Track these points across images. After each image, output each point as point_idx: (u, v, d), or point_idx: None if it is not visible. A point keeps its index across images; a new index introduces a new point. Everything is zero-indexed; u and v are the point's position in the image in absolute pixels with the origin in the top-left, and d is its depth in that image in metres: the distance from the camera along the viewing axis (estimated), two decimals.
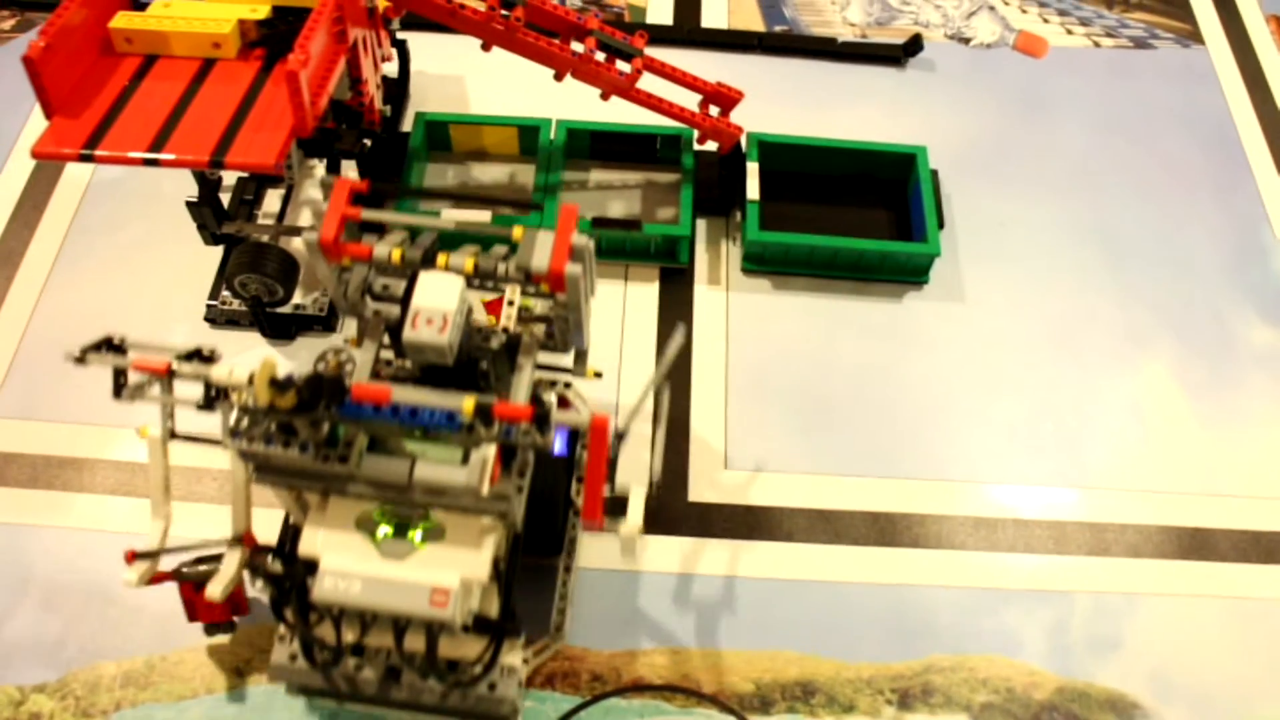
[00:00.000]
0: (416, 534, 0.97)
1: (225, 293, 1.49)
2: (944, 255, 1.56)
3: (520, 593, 1.14)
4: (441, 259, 0.96)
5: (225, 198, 1.52)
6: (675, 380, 1.48)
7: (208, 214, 1.44)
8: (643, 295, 1.56)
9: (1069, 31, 1.96)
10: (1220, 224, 1.70)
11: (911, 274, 1.58)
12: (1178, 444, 1.47)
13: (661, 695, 1.24)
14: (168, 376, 0.97)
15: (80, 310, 1.51)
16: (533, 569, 1.21)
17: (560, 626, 1.18)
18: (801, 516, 1.38)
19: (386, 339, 1.07)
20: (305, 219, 1.58)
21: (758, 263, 1.58)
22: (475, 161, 1.68)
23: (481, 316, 1.04)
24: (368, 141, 1.42)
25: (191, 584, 1.14)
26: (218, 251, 1.53)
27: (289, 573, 0.98)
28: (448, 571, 0.95)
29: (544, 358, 1.09)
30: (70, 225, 1.60)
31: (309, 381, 0.87)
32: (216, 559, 1.11)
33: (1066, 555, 1.37)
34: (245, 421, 0.92)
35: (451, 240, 1.52)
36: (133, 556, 1.07)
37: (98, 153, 1.19)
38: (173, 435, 1.06)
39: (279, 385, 0.87)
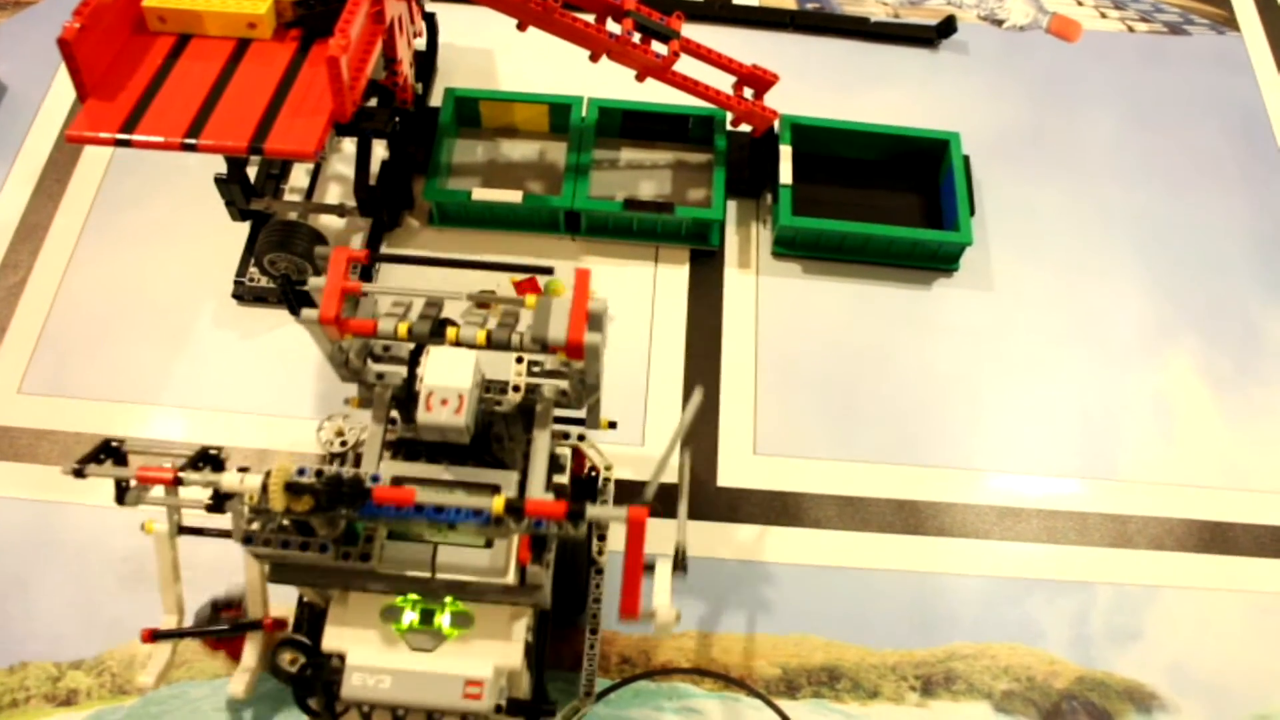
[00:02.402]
0: (444, 619, 0.94)
1: (253, 270, 1.49)
2: (974, 242, 1.55)
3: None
4: (451, 332, 0.91)
5: (252, 172, 1.51)
6: (707, 365, 1.48)
7: (236, 190, 1.43)
8: (673, 277, 1.55)
9: (1103, 15, 1.94)
10: (1250, 216, 1.70)
11: (942, 261, 1.58)
12: (1202, 438, 1.48)
13: (690, 678, 1.26)
14: (174, 484, 0.93)
15: (107, 286, 1.51)
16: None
17: (590, 692, 1.16)
18: (829, 503, 1.39)
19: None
20: (333, 195, 1.57)
21: (789, 247, 1.57)
22: (505, 138, 1.66)
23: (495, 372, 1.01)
24: (398, 119, 1.41)
25: (213, 639, 1.14)
26: (245, 227, 1.52)
27: (314, 668, 0.96)
28: (480, 661, 0.93)
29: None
30: (95, 199, 1.58)
31: (327, 486, 0.84)
32: (234, 608, 1.11)
33: (1089, 546, 1.39)
34: (257, 524, 0.89)
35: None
36: (149, 635, 1.06)
37: (135, 137, 1.18)
38: (180, 530, 1.04)
39: (294, 490, 0.84)
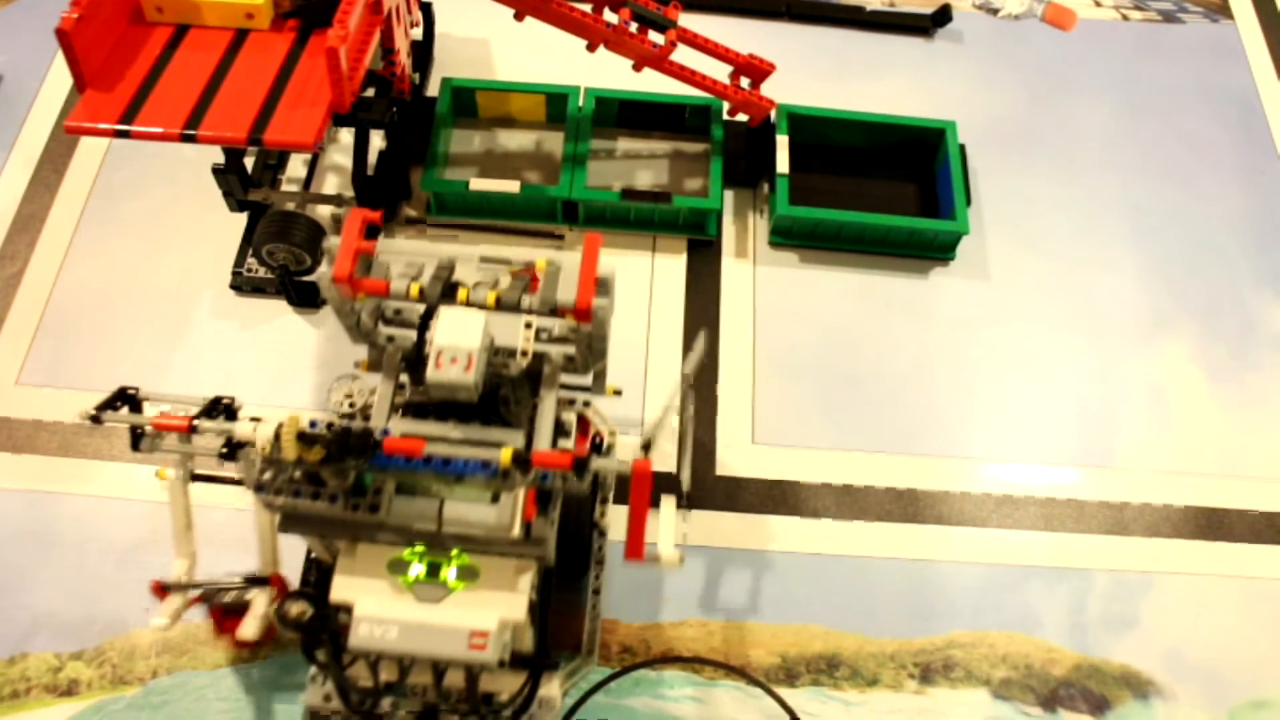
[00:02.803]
0: (450, 572, 0.95)
1: (251, 260, 1.48)
2: (970, 232, 1.56)
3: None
4: (462, 292, 0.93)
5: (249, 162, 1.50)
6: (704, 354, 1.48)
7: (234, 181, 1.43)
8: (670, 267, 1.56)
9: (1097, 3, 1.94)
10: (1245, 205, 1.70)
11: (938, 250, 1.58)
12: (1198, 425, 1.49)
13: (690, 667, 1.27)
14: (189, 433, 0.94)
15: (104, 276, 1.50)
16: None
17: (592, 650, 1.17)
18: (827, 492, 1.40)
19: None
20: (331, 186, 1.57)
21: (786, 236, 1.58)
22: (502, 128, 1.66)
23: (504, 339, 1.02)
24: (395, 110, 1.41)
25: (221, 608, 1.14)
26: (242, 217, 1.52)
27: (321, 619, 0.96)
28: (485, 613, 0.94)
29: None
30: (91, 189, 1.58)
31: (338, 436, 0.86)
32: (248, 586, 1.11)
33: (1086, 534, 1.39)
34: (269, 474, 0.91)
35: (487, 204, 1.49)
36: (159, 587, 1.06)
37: (134, 128, 1.17)
38: (193, 477, 1.04)
39: (306, 440, 0.85)
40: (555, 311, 0.92)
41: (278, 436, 0.87)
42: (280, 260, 1.41)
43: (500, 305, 0.92)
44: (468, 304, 0.93)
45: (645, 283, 1.54)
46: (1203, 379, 1.53)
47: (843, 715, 1.26)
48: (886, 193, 1.64)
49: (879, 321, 1.54)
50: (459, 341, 0.92)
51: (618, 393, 1.16)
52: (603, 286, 0.93)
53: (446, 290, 0.93)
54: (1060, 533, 1.39)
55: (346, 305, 0.96)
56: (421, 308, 0.94)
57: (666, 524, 1.02)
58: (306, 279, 1.46)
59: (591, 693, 1.24)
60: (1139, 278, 1.61)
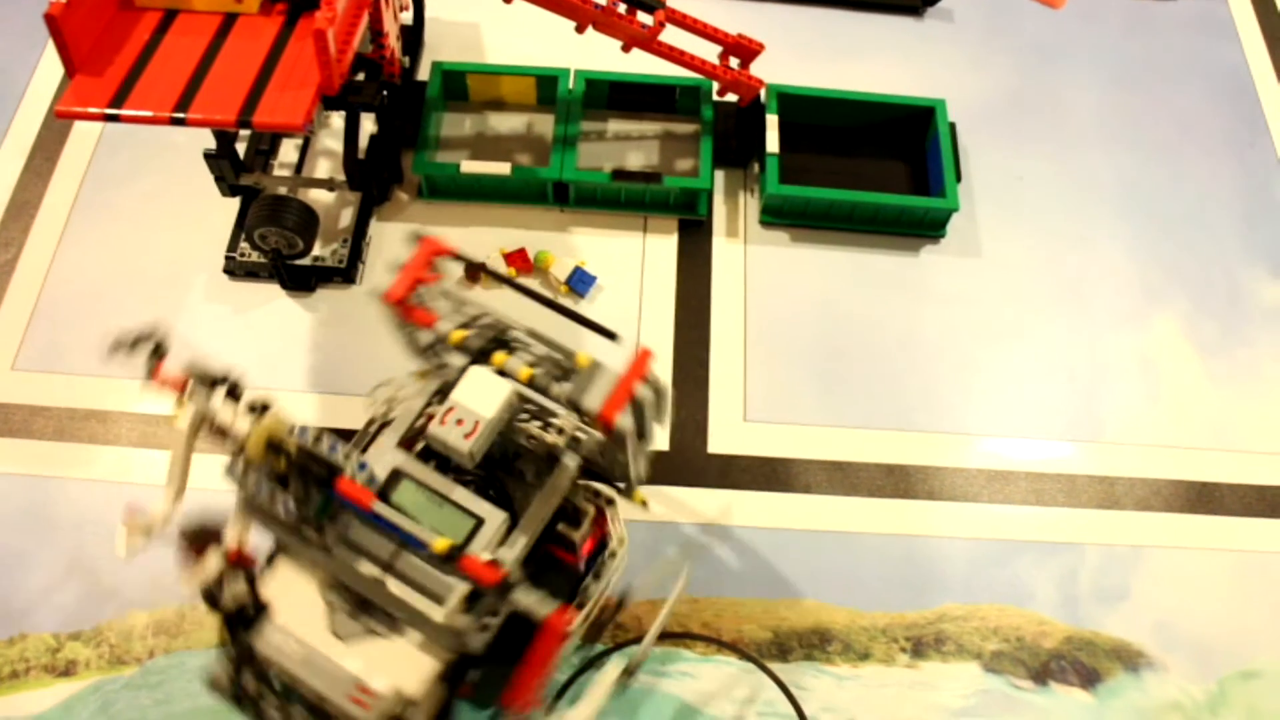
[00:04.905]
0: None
1: (244, 245, 1.49)
2: (960, 209, 1.56)
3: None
4: (499, 357, 0.90)
5: (240, 147, 1.51)
6: (696, 331, 1.49)
7: (225, 166, 1.44)
8: (661, 247, 1.56)
9: None
10: (1235, 180, 1.71)
11: (929, 228, 1.58)
12: (1188, 400, 1.49)
13: (682, 643, 1.28)
14: (181, 392, 0.94)
15: (99, 262, 1.51)
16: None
17: None
18: (818, 468, 1.41)
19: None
20: (323, 170, 1.58)
21: (776, 215, 1.58)
22: (492, 111, 1.67)
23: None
24: (386, 93, 1.41)
25: (189, 540, 1.12)
26: (235, 202, 1.52)
27: (257, 609, 0.95)
28: (384, 674, 0.92)
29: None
30: (84, 176, 1.59)
31: (300, 460, 0.85)
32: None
33: (1077, 508, 1.40)
34: (240, 463, 0.90)
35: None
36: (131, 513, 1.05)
37: (123, 112, 1.18)
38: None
39: (274, 449, 0.85)
40: (579, 411, 0.89)
41: (249, 435, 0.87)
42: (273, 244, 1.42)
43: (531, 384, 0.90)
44: (502, 371, 0.90)
45: (636, 263, 1.54)
46: (1193, 353, 1.53)
47: (835, 689, 1.27)
48: (877, 171, 1.64)
49: (870, 299, 1.54)
50: (474, 405, 0.90)
51: (644, 503, 1.13)
52: (641, 409, 0.88)
53: (485, 348, 0.91)
54: (1051, 507, 1.40)
55: (401, 323, 0.96)
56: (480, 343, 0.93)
57: (596, 693, 0.96)
58: (299, 262, 1.47)
59: (583, 670, 1.25)
60: (1129, 253, 1.62)
